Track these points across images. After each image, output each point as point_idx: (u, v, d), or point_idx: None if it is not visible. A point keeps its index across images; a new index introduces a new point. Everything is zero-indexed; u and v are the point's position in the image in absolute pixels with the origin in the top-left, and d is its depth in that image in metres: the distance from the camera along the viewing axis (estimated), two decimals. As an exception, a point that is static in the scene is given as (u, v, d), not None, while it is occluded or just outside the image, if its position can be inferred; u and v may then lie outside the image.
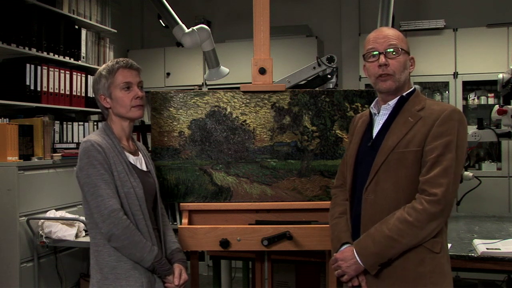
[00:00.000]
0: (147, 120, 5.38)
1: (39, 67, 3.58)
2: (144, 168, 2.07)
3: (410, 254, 1.73)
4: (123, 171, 1.94)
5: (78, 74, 3.93)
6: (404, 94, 1.83)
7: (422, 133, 1.74)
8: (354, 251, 1.78)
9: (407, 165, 1.74)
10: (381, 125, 1.86)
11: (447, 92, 4.90)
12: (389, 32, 1.84)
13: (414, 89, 1.86)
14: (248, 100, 2.34)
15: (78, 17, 4.03)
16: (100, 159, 1.90)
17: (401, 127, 1.78)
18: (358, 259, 1.77)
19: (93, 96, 2.11)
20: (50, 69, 3.69)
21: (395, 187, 1.76)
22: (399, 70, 1.80)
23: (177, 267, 2.02)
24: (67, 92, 3.84)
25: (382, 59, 1.79)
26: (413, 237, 1.70)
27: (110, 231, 1.86)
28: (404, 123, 1.78)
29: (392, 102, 1.84)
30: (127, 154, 2.02)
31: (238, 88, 2.35)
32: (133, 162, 2.02)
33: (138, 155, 2.09)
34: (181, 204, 2.29)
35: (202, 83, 5.43)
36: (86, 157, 1.91)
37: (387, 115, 1.85)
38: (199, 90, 2.45)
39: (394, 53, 1.80)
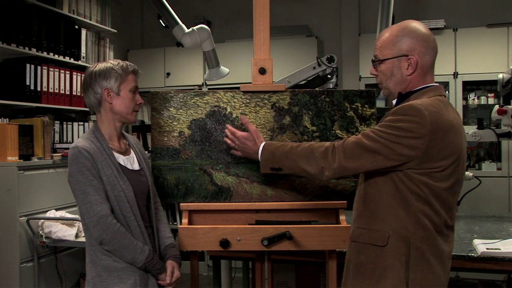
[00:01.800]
0: (147, 120, 5.40)
1: (39, 67, 3.58)
2: (136, 167, 2.08)
3: (353, 243, 1.81)
4: (112, 175, 1.95)
5: (78, 74, 3.93)
6: (403, 92, 1.81)
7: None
8: (262, 143, 2.02)
9: None
10: None
11: (447, 92, 4.89)
12: (380, 39, 1.83)
13: (423, 87, 1.79)
14: (248, 100, 2.34)
15: (78, 17, 4.03)
16: (89, 165, 1.92)
17: (382, 120, 1.80)
18: (260, 148, 2.00)
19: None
20: (50, 69, 3.69)
21: (363, 174, 1.85)
22: (384, 79, 1.83)
23: (169, 265, 2.05)
24: (67, 92, 3.84)
25: (372, 70, 1.86)
26: (302, 155, 1.85)
27: (100, 236, 1.89)
28: (386, 116, 1.79)
29: (394, 102, 1.87)
30: (117, 155, 2.03)
31: (238, 88, 2.35)
32: (123, 163, 2.03)
33: (129, 153, 2.10)
34: (181, 204, 2.29)
35: (202, 83, 5.42)
36: (75, 164, 1.93)
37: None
38: (199, 90, 2.45)
39: (375, 64, 1.83)
